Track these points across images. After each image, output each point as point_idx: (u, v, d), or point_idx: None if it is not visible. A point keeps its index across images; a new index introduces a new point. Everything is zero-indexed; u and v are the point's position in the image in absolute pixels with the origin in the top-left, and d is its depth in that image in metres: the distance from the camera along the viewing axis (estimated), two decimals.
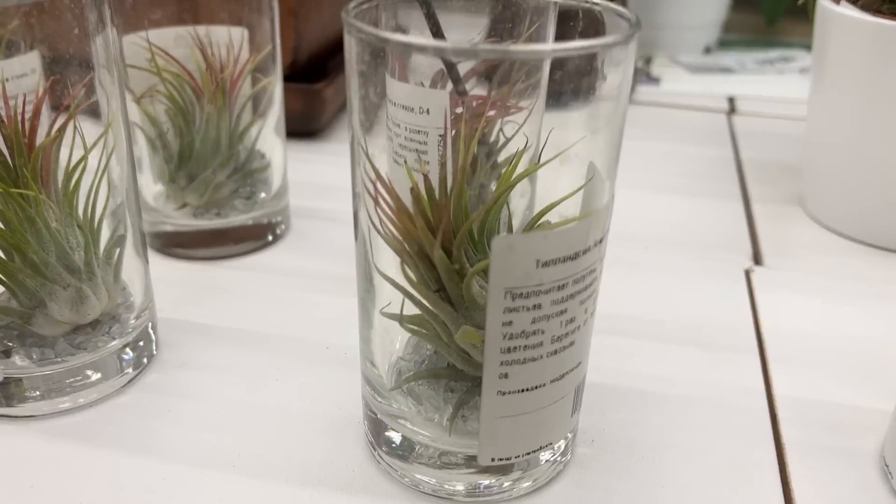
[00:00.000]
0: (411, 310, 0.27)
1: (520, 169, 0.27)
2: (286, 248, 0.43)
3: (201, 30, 0.40)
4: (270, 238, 0.43)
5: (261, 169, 0.42)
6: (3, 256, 0.29)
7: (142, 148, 0.40)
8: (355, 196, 0.26)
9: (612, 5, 0.26)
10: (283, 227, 0.44)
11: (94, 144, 0.30)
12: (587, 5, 0.27)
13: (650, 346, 0.36)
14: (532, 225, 0.26)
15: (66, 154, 0.30)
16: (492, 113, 0.35)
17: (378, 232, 0.26)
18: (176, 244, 0.42)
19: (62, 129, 0.29)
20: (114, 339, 0.32)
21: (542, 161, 0.26)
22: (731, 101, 0.66)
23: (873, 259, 0.44)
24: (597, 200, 0.25)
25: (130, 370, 0.33)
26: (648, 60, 0.73)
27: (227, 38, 0.40)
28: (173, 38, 0.40)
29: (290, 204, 0.45)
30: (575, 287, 0.24)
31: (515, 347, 0.24)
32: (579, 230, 0.23)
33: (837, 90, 0.44)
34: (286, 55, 0.53)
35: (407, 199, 0.25)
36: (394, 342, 0.29)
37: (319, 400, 0.32)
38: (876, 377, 0.34)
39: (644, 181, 0.52)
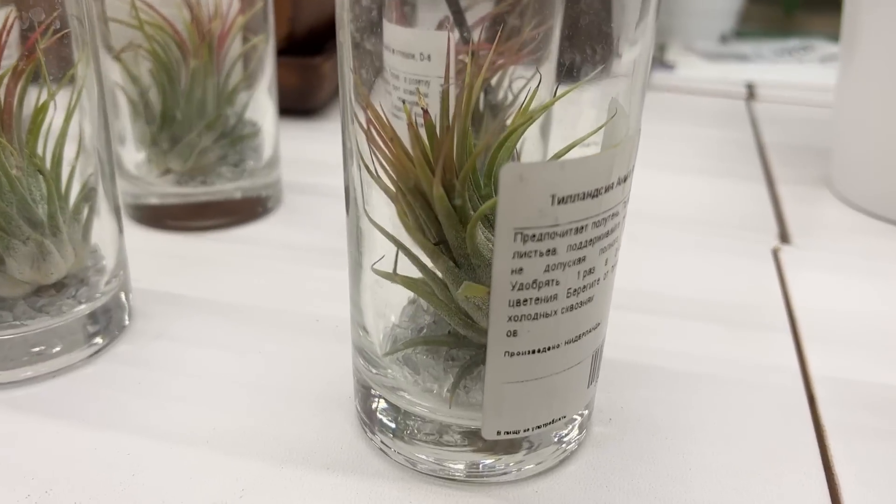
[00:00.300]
0: (408, 270, 0.24)
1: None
2: (276, 222, 0.40)
3: None
4: (260, 211, 0.40)
5: (250, 135, 0.39)
6: None
7: (124, 113, 0.37)
8: (344, 132, 0.24)
9: None
10: (274, 200, 0.41)
11: (61, 86, 0.27)
12: None
13: (673, 323, 0.33)
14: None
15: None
16: (501, 61, 0.32)
17: (369, 171, 0.23)
18: (160, 217, 0.39)
19: (23, 68, 0.26)
20: (80, 303, 0.29)
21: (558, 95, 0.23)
22: (750, 87, 0.63)
23: None
24: (620, 136, 0.22)
25: (99, 339, 0.30)
26: (662, 47, 0.70)
27: None
28: None
29: (282, 178, 0.42)
30: (595, 231, 0.21)
31: (526, 300, 0.21)
32: (602, 162, 0.20)
33: (868, 67, 0.41)
34: (282, 25, 0.50)
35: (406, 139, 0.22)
36: (388, 306, 0.26)
37: (306, 374, 0.29)
38: None
39: (663, 162, 0.49)
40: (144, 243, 0.37)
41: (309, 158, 0.47)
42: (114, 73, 0.36)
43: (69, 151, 0.28)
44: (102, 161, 0.29)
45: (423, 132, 0.22)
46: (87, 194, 0.29)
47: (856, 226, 0.42)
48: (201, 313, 0.32)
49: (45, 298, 0.28)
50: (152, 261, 0.36)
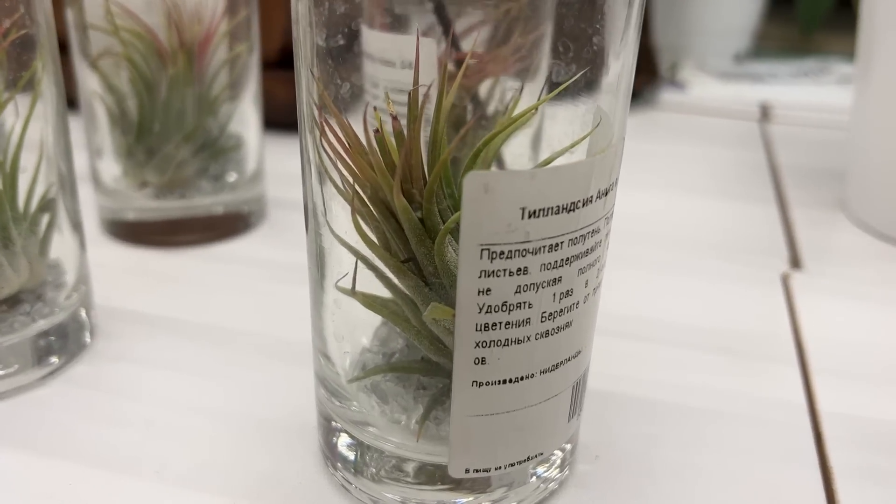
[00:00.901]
0: (376, 289, 0.22)
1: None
2: (258, 239, 0.38)
3: None
4: (242, 227, 0.38)
5: (233, 148, 0.37)
6: None
7: (103, 124, 0.36)
8: (302, 139, 0.22)
9: None
10: (257, 216, 0.39)
11: (17, 90, 0.26)
12: None
13: (672, 352, 0.30)
14: None
15: None
16: (485, 69, 0.30)
17: (331, 180, 0.21)
18: (139, 232, 0.37)
19: None
20: (35, 320, 0.27)
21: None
22: (764, 107, 0.61)
23: None
24: (602, 146, 0.20)
25: (55, 359, 0.28)
26: (674, 67, 0.68)
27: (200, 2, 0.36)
28: (144, 4, 0.36)
29: (266, 193, 0.40)
30: (572, 249, 0.19)
31: (495, 324, 0.19)
32: (578, 173, 0.18)
33: (884, 89, 0.39)
34: (276, 38, 0.49)
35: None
36: (355, 328, 0.24)
37: (271, 402, 0.27)
38: None
39: (670, 182, 0.47)
40: (120, 260, 0.36)
41: (297, 174, 0.45)
42: (92, 81, 0.35)
43: (28, 161, 0.27)
44: (63, 173, 0.28)
45: (394, 140, 0.20)
46: (46, 205, 0.27)
47: (871, 251, 0.39)
48: (167, 334, 0.30)
49: None
50: (125, 278, 0.34)
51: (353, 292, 0.21)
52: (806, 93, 0.64)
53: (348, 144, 0.19)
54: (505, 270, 0.19)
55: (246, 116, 0.38)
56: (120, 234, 0.37)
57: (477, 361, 0.19)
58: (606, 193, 0.20)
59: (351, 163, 0.19)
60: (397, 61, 0.29)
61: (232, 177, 0.37)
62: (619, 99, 0.21)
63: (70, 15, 0.34)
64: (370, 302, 0.22)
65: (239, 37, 0.37)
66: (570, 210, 0.19)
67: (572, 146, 0.21)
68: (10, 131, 0.26)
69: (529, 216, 0.18)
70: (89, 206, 0.38)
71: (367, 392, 0.23)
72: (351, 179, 0.20)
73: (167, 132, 0.35)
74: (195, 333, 0.30)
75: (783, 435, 0.26)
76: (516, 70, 0.29)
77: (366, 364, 0.24)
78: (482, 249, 0.18)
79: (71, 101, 0.38)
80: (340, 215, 0.21)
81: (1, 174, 0.26)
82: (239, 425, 0.26)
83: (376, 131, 0.20)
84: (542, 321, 0.20)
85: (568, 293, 0.20)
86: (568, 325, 0.20)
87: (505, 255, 0.18)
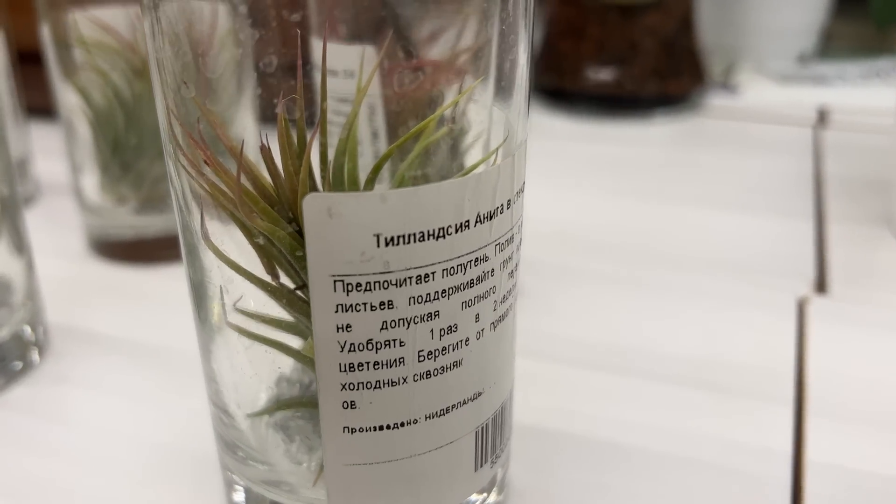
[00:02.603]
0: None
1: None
2: None
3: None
4: None
5: None
6: None
7: (83, 140, 0.35)
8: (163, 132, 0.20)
9: None
10: None
11: None
12: None
13: (653, 389, 0.27)
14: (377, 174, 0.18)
15: None
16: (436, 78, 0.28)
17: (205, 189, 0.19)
18: (119, 251, 0.36)
19: None
20: None
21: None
22: (822, 112, 0.56)
23: None
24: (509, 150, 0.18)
25: None
26: (730, 69, 0.64)
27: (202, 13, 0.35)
28: (125, 18, 0.35)
29: None
30: (449, 281, 0.17)
31: (361, 364, 0.17)
32: (446, 196, 0.16)
33: None
34: None
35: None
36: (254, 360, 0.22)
37: (200, 432, 0.25)
38: None
39: (699, 196, 0.44)
40: (96, 277, 0.35)
41: None
42: (71, 96, 0.35)
43: None
44: (4, 196, 0.27)
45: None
46: None
47: None
48: (117, 355, 0.29)
49: None
50: (94, 296, 0.33)
51: (224, 321, 0.20)
52: (872, 95, 0.58)
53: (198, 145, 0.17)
54: (365, 304, 0.16)
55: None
56: (102, 251, 0.37)
57: (346, 405, 0.17)
58: (492, 217, 0.17)
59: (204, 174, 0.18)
60: (340, 71, 0.27)
61: None
62: (512, 107, 0.18)
63: (45, 29, 0.34)
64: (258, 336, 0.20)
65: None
66: (439, 237, 0.16)
67: (485, 161, 0.19)
68: None
69: (387, 244, 0.16)
70: (75, 221, 0.38)
71: (275, 429, 0.22)
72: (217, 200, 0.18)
73: (142, 147, 0.34)
74: (144, 355, 0.29)
75: (755, 489, 0.23)
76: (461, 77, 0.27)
77: (281, 396, 0.22)
78: (335, 281, 0.16)
79: (48, 110, 0.38)
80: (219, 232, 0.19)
81: None
82: (161, 456, 0.24)
83: (262, 147, 0.18)
84: (419, 360, 0.17)
85: (451, 329, 0.17)
86: (456, 364, 0.18)
87: (363, 288, 0.16)
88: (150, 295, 0.34)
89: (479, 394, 0.19)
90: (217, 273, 0.19)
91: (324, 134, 0.17)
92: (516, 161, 0.18)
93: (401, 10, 0.27)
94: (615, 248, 0.37)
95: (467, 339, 0.18)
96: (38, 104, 0.47)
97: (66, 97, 0.35)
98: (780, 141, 0.52)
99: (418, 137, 0.19)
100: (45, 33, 0.34)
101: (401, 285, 0.16)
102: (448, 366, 0.18)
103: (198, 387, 0.27)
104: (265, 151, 0.18)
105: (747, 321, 0.31)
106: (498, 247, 0.18)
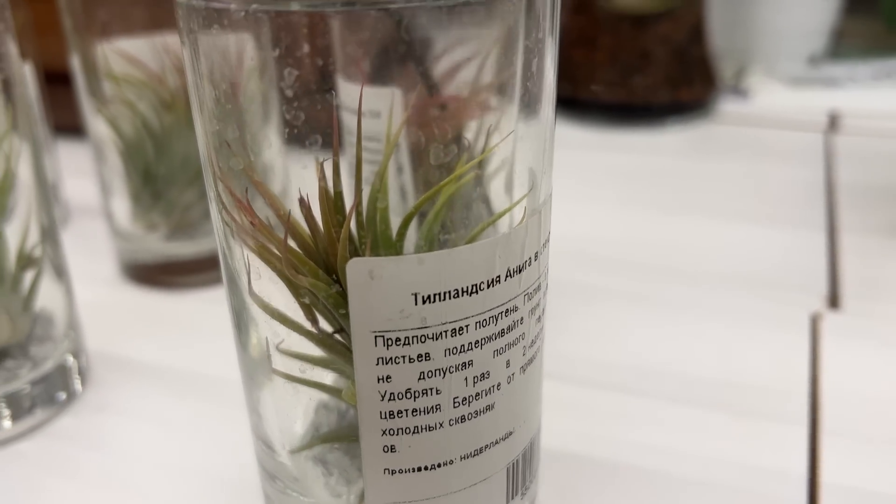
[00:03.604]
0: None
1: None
2: None
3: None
4: None
5: None
6: None
7: (115, 166, 0.37)
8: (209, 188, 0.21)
9: None
10: None
11: None
12: None
13: (670, 410, 0.28)
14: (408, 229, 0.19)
15: None
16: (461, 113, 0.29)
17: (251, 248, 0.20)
18: (150, 274, 0.38)
19: None
20: (19, 375, 0.28)
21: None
22: (833, 117, 0.56)
23: None
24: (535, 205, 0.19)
25: (39, 412, 0.28)
26: (741, 72, 0.64)
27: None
28: (152, 48, 0.36)
29: None
30: (482, 332, 0.18)
31: (400, 411, 0.18)
32: (478, 255, 0.17)
33: None
34: None
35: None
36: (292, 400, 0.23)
37: (241, 460, 0.27)
38: None
39: (709, 207, 0.44)
40: (129, 302, 0.37)
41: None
42: (101, 124, 0.36)
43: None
44: (45, 227, 0.28)
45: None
46: (27, 264, 0.28)
47: None
48: (156, 383, 0.31)
49: None
50: (130, 322, 0.35)
51: (270, 364, 0.21)
52: (882, 98, 0.59)
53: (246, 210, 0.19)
54: (404, 357, 0.17)
55: None
56: (134, 276, 0.38)
57: (386, 449, 0.19)
58: (521, 271, 0.18)
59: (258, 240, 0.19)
60: (365, 110, 0.28)
61: None
62: (541, 162, 0.19)
63: (76, 60, 0.35)
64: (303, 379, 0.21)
65: None
66: (472, 292, 0.17)
67: (478, 234, 0.20)
68: None
69: (424, 301, 0.17)
70: (106, 244, 0.39)
71: (314, 462, 0.23)
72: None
73: (172, 176, 0.35)
74: (186, 383, 0.31)
75: None
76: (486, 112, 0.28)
77: (319, 426, 0.23)
78: (376, 336, 0.17)
79: (74, 129, 0.39)
80: (265, 282, 0.20)
81: None
82: (203, 484, 0.26)
83: (301, 201, 0.19)
84: (454, 406, 0.18)
85: (483, 376, 0.18)
86: (489, 408, 0.19)
87: (402, 342, 0.17)
88: (183, 321, 0.35)
89: (510, 433, 0.20)
90: (262, 319, 0.20)
91: (359, 196, 0.18)
92: (543, 216, 0.19)
93: (423, 46, 0.28)
94: (629, 264, 0.38)
95: (499, 384, 0.19)
96: (64, 123, 0.48)
97: (97, 126, 0.36)
98: (791, 147, 0.53)
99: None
100: (76, 63, 0.35)
101: (437, 339, 0.17)
102: (481, 410, 0.19)
103: (236, 415, 0.28)
104: (304, 206, 0.19)
105: (762, 339, 0.32)
106: (526, 296, 0.19)
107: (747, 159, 0.51)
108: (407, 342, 0.17)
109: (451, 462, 0.19)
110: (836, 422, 0.27)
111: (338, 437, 0.22)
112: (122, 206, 0.37)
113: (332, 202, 0.18)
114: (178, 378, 0.31)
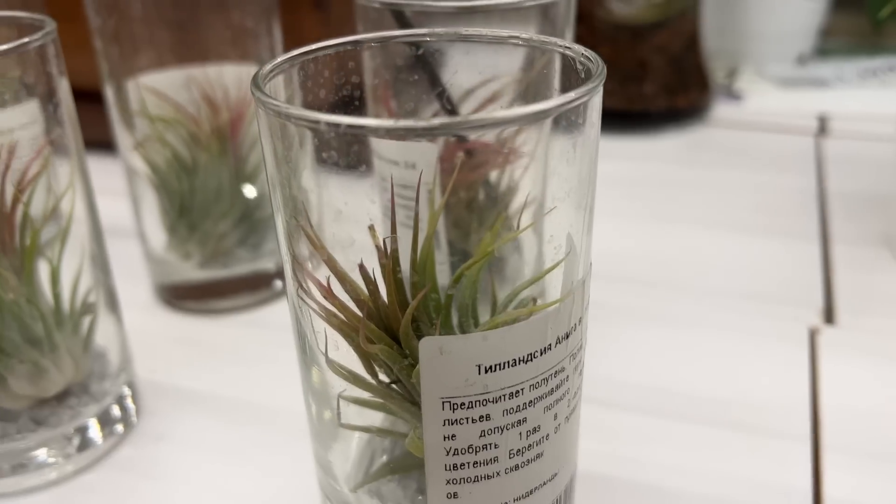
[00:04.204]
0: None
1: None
2: None
3: (212, 70, 0.38)
4: (279, 288, 0.41)
5: (268, 217, 0.39)
6: None
7: (148, 196, 0.38)
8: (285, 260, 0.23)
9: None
10: None
11: (50, 216, 0.28)
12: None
13: (674, 428, 0.31)
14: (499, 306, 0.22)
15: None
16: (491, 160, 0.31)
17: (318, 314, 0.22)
18: (183, 296, 0.40)
19: (17, 200, 0.27)
20: (82, 412, 0.30)
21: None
22: (822, 120, 0.59)
23: None
24: (568, 280, 0.21)
25: (101, 443, 0.31)
26: (732, 74, 0.67)
27: (237, 78, 0.38)
28: (183, 81, 0.38)
29: None
30: (535, 392, 0.20)
31: (463, 464, 0.20)
32: (533, 328, 0.19)
33: None
34: None
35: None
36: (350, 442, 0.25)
37: (293, 486, 0.29)
38: None
39: (706, 218, 0.47)
40: (167, 328, 0.38)
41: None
42: (134, 157, 0.38)
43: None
44: (99, 265, 0.30)
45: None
46: (86, 309, 0.30)
47: None
48: (206, 411, 0.33)
49: (47, 410, 0.29)
50: (171, 348, 0.37)
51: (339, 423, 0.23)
52: (869, 99, 0.61)
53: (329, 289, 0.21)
54: (467, 419, 0.20)
55: None
56: (168, 297, 0.40)
57: (449, 496, 0.21)
58: (568, 336, 0.20)
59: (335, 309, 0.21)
60: (401, 161, 0.30)
61: (270, 243, 0.40)
62: (581, 228, 0.22)
63: (109, 93, 0.36)
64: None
65: None
66: (527, 360, 0.20)
67: (535, 280, 0.22)
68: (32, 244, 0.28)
69: (486, 371, 0.19)
70: (139, 266, 0.41)
71: (369, 495, 0.25)
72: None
73: (207, 209, 0.37)
74: (232, 410, 0.33)
75: None
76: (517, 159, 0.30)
77: (374, 454, 0.25)
78: (443, 402, 0.19)
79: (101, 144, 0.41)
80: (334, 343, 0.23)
81: (52, 291, 0.28)
82: None
83: (360, 267, 0.21)
84: (510, 457, 0.21)
85: (535, 430, 0.21)
86: (538, 455, 0.21)
87: (466, 406, 0.20)
88: (224, 347, 0.37)
89: (556, 474, 0.22)
90: (337, 382, 0.22)
91: (433, 284, 0.20)
92: (586, 285, 0.21)
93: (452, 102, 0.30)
94: (630, 280, 0.41)
95: (547, 435, 0.21)
96: (92, 138, 0.50)
97: (130, 157, 0.37)
98: (783, 152, 0.55)
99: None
100: (109, 96, 0.37)
101: (496, 402, 0.20)
102: (532, 458, 0.21)
103: (287, 442, 0.31)
104: (370, 283, 0.21)
105: (764, 356, 0.35)
106: (571, 356, 0.21)
107: (742, 166, 0.53)
108: (470, 406, 0.20)
109: None
110: (837, 437, 0.30)
111: (394, 470, 0.25)
112: (155, 232, 0.39)
113: (399, 285, 0.20)
114: (227, 406, 0.33)
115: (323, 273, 0.21)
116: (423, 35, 0.24)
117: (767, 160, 0.54)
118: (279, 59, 0.22)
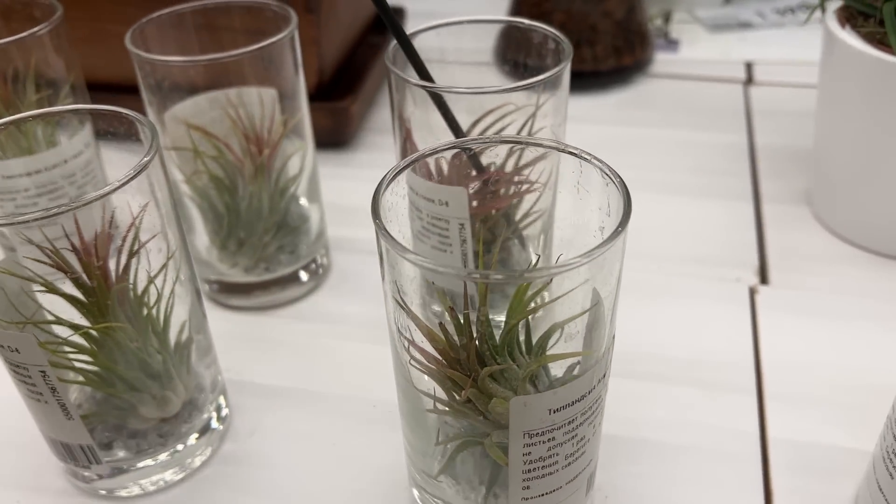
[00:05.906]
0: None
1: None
2: (329, 291, 0.47)
3: (232, 92, 0.43)
4: (315, 281, 0.47)
5: (302, 223, 0.46)
6: (101, 374, 0.34)
7: (194, 211, 0.44)
8: (389, 314, 0.30)
9: None
10: (325, 269, 0.48)
11: (157, 274, 0.34)
12: None
13: (655, 388, 0.40)
14: (540, 347, 0.30)
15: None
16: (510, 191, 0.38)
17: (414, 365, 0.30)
18: (224, 292, 0.46)
19: (127, 270, 0.33)
20: (193, 424, 0.37)
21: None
22: (749, 67, 0.67)
23: (881, 271, 0.46)
24: (599, 332, 0.29)
25: (207, 445, 0.38)
26: (667, 18, 0.73)
27: (258, 99, 0.43)
28: (208, 102, 0.43)
29: (328, 245, 0.49)
30: (584, 417, 0.29)
31: (534, 468, 0.29)
32: (585, 381, 0.28)
33: (841, 111, 0.46)
34: (311, 76, 0.55)
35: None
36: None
37: (369, 463, 0.37)
38: (874, 415, 0.37)
39: (652, 180, 0.54)
40: (226, 324, 0.45)
41: (345, 204, 0.52)
42: (179, 177, 0.43)
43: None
44: (191, 322, 0.37)
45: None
46: (185, 343, 0.36)
47: (833, 255, 0.47)
48: (282, 404, 0.40)
49: (168, 426, 0.36)
50: (229, 347, 0.43)
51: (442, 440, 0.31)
52: (790, 39, 0.69)
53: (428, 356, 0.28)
54: (539, 442, 0.28)
55: (306, 191, 0.46)
56: (211, 292, 0.46)
57: (524, 488, 0.30)
58: (605, 376, 0.29)
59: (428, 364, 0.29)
60: (436, 199, 0.37)
61: (303, 247, 0.46)
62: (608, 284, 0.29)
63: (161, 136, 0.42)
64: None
65: (297, 131, 0.44)
66: (580, 400, 0.28)
67: (568, 321, 0.30)
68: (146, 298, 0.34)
69: (554, 412, 0.28)
70: None
71: (444, 475, 0.34)
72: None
73: (251, 226, 0.43)
74: (302, 401, 0.40)
75: (735, 465, 0.36)
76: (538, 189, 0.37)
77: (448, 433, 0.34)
78: (524, 433, 0.28)
79: None
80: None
81: (162, 336, 0.35)
82: (354, 488, 0.36)
83: (440, 324, 0.29)
84: (565, 460, 0.29)
85: (582, 439, 0.29)
86: (583, 453, 0.30)
87: (539, 434, 0.28)
88: (284, 342, 0.44)
89: (591, 460, 0.31)
90: (433, 416, 0.30)
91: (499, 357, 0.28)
92: (614, 314, 0.29)
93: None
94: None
95: (588, 439, 0.30)
96: None
97: (175, 175, 0.43)
98: (716, 105, 0.62)
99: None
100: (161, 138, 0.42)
101: (559, 428, 0.28)
102: (579, 456, 0.30)
103: (360, 424, 0.38)
104: (443, 329, 0.28)
105: (711, 315, 0.43)
106: (602, 381, 0.29)
107: (679, 123, 0.61)
108: (541, 433, 0.28)
109: (560, 487, 0.30)
110: (776, 386, 0.39)
111: (463, 445, 0.33)
112: (200, 238, 0.45)
113: (479, 357, 0.28)
114: (302, 397, 0.41)
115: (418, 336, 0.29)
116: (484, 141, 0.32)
117: (702, 114, 0.62)
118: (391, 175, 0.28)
